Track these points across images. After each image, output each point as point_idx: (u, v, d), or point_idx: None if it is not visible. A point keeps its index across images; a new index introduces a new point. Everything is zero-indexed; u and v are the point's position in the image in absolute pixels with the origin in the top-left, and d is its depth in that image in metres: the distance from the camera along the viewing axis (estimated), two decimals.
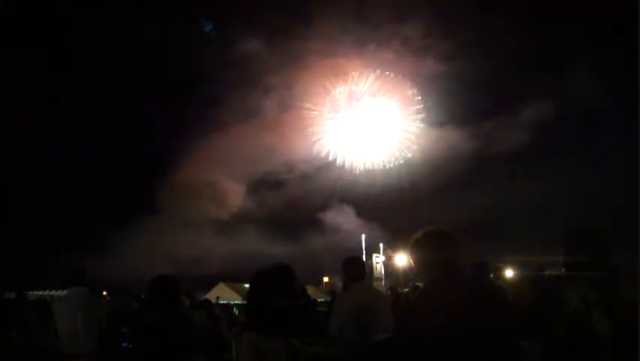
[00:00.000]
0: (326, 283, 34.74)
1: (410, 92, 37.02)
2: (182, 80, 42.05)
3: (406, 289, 12.22)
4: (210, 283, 34.58)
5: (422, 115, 37.23)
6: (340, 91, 37.76)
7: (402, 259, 33.99)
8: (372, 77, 37.29)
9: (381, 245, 36.26)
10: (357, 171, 37.96)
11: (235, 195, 42.88)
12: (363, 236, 36.11)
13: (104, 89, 39.29)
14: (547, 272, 4.41)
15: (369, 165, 37.94)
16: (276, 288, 2.65)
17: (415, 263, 2.60)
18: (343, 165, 37.96)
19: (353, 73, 37.28)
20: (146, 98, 40.59)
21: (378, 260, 37.16)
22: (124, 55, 39.25)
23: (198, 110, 44.28)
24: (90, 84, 38.41)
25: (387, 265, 36.90)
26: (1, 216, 33.20)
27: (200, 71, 41.96)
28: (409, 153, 37.81)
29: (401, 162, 37.55)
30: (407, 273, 31.20)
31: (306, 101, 38.67)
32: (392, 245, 36.71)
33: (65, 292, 4.87)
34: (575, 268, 2.69)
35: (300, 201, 41.72)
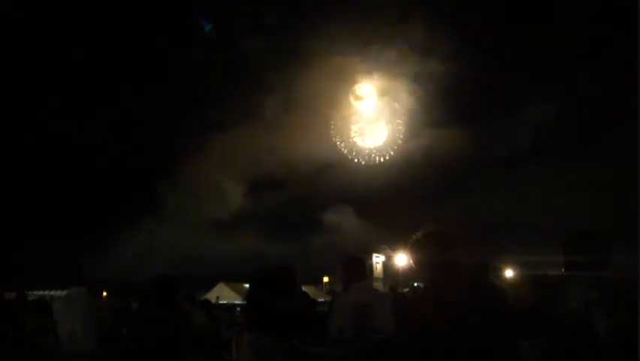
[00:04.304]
0: (326, 283, 34.77)
1: (412, 92, 37.04)
2: (182, 80, 42.07)
3: (406, 290, 12.21)
4: (210, 283, 34.62)
5: (424, 115, 37.25)
6: (342, 91, 37.79)
7: (402, 259, 33.99)
8: (373, 76, 37.34)
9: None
10: (358, 171, 37.95)
11: (235, 195, 42.91)
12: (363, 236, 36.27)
13: (104, 89, 39.32)
14: (546, 272, 4.41)
15: (369, 165, 37.91)
16: (276, 289, 2.65)
17: (415, 263, 2.60)
18: (350, 155, 38.00)
19: (355, 73, 37.32)
20: (146, 98, 40.60)
21: (378, 260, 37.15)
22: (123, 55, 39.29)
23: (199, 110, 44.32)
24: (90, 84, 38.44)
25: (387, 265, 36.92)
26: (1, 216, 33.24)
27: (201, 71, 41.97)
28: (410, 153, 37.79)
29: (402, 162, 37.53)
30: (407, 273, 31.21)
31: (307, 102, 38.69)
32: (392, 245, 36.74)
33: (65, 292, 4.88)
34: (575, 268, 2.69)
35: (300, 201, 41.75)
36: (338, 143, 37.65)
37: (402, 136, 37.42)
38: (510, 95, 40.79)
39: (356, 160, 37.52)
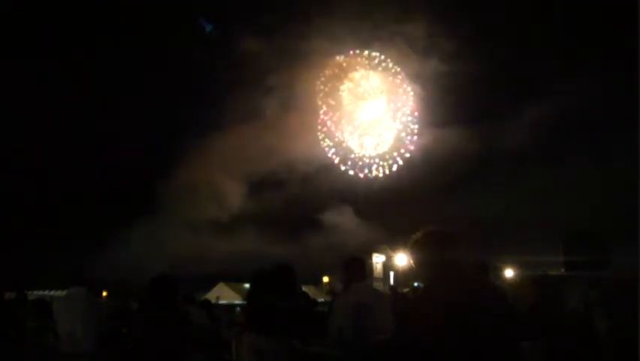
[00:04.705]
0: (326, 283, 34.74)
1: (413, 92, 36.86)
2: (182, 80, 42.07)
3: (406, 290, 12.20)
4: (210, 283, 34.62)
5: (424, 115, 37.10)
6: (342, 91, 37.67)
7: (402, 259, 34.00)
8: (374, 76, 37.20)
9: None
10: (359, 171, 37.57)
11: (235, 195, 42.88)
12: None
13: (104, 88, 39.33)
14: (547, 272, 4.40)
15: (370, 165, 37.67)
16: (276, 288, 2.66)
17: (415, 263, 2.61)
18: (344, 165, 37.47)
19: (355, 73, 37.19)
20: (146, 98, 40.61)
21: (378, 260, 37.12)
22: (124, 55, 39.30)
23: (199, 110, 44.33)
24: (90, 84, 38.44)
25: (387, 265, 36.90)
26: (1, 216, 33.22)
27: (201, 71, 41.98)
28: (411, 153, 37.63)
29: (402, 162, 37.31)
30: (407, 273, 31.19)
31: (307, 102, 38.63)
32: (392, 245, 36.70)
33: (65, 292, 4.87)
34: (575, 268, 2.69)
35: (300, 201, 41.70)
36: (327, 149, 36.42)
37: (404, 137, 36.23)
38: (510, 95, 40.84)
39: (352, 172, 36.29)
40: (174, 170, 41.00)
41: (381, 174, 35.78)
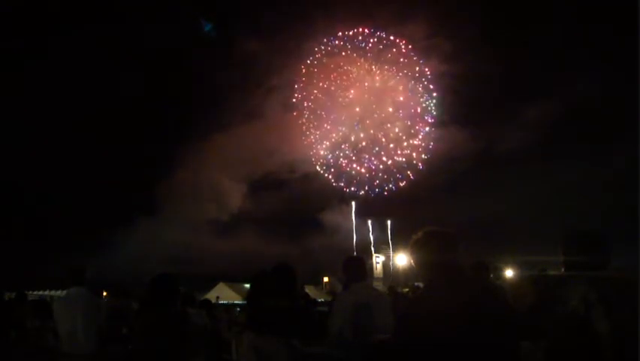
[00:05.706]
0: (326, 283, 34.73)
1: (413, 92, 36.73)
2: (183, 80, 42.07)
3: (406, 289, 12.22)
4: (210, 283, 34.62)
5: (425, 115, 37.01)
6: (342, 91, 37.58)
7: (402, 259, 34.00)
8: (374, 76, 37.11)
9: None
10: (356, 189, 36.96)
11: (235, 195, 42.92)
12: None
13: (105, 88, 39.33)
14: (547, 272, 4.40)
15: (371, 181, 37.31)
16: (276, 288, 2.66)
17: (415, 263, 2.61)
18: (336, 182, 36.85)
19: (356, 73, 37.10)
20: (147, 98, 40.61)
21: (378, 260, 37.11)
22: (125, 55, 39.30)
23: (199, 110, 44.41)
24: (91, 83, 38.43)
25: (387, 265, 36.89)
26: (1, 217, 33.22)
27: (202, 71, 42.01)
28: (411, 152, 37.51)
29: (402, 162, 37.15)
30: (407, 273, 31.19)
31: (307, 102, 38.59)
32: (392, 245, 36.69)
33: (65, 292, 4.87)
34: (574, 268, 2.69)
35: (300, 201, 41.72)
36: (318, 165, 35.26)
37: (429, 146, 34.24)
38: (510, 95, 40.86)
39: (347, 190, 35.18)
40: (174, 170, 41.05)
41: (385, 192, 35.02)
